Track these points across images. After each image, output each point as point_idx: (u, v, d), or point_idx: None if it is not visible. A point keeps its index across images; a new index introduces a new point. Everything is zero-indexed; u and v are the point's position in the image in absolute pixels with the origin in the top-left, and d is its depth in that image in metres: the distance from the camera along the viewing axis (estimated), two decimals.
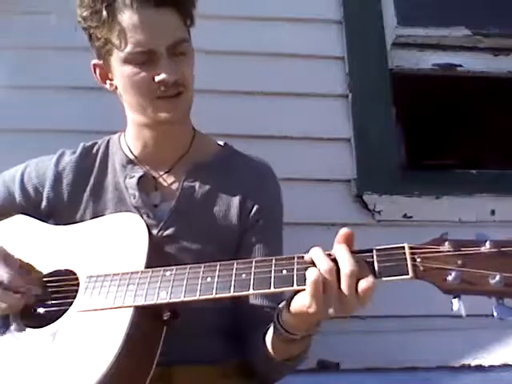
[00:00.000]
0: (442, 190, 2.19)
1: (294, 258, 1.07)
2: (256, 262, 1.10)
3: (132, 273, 1.19)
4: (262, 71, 2.26)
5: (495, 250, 0.94)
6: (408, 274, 0.97)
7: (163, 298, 1.13)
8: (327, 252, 1.04)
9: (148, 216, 1.40)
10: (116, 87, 1.42)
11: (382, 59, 2.34)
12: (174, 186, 1.46)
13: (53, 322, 1.23)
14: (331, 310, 1.02)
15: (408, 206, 2.16)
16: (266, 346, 1.25)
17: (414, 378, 2.00)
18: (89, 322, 1.18)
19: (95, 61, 1.42)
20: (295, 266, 1.06)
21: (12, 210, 1.48)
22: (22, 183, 1.50)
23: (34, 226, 1.45)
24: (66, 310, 1.23)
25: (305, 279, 1.03)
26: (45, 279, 1.32)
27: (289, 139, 2.22)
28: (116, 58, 1.35)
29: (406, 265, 0.98)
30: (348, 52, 2.32)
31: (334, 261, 1.01)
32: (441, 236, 0.99)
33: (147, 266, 1.20)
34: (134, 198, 1.43)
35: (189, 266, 1.15)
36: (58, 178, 1.49)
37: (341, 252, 1.02)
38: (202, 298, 1.09)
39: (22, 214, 1.48)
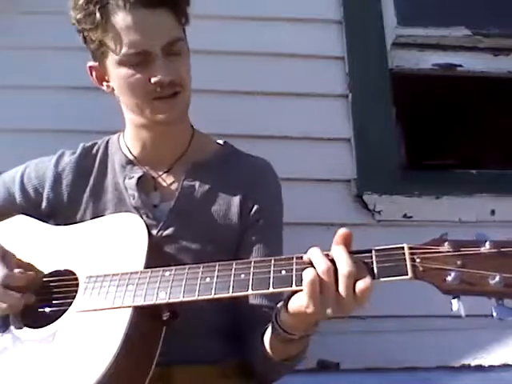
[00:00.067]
0: (442, 189, 2.18)
1: (292, 258, 1.07)
2: (255, 262, 1.10)
3: (131, 273, 1.19)
4: (262, 71, 2.26)
5: (495, 250, 0.94)
6: (407, 275, 0.97)
7: (162, 298, 1.13)
8: (325, 252, 1.04)
9: (147, 216, 1.40)
10: (113, 89, 1.41)
11: (382, 59, 2.34)
12: (174, 186, 1.46)
13: (52, 322, 1.23)
14: (329, 311, 1.02)
15: (408, 205, 2.16)
16: (264, 346, 1.25)
17: (414, 377, 2.00)
18: (88, 322, 1.18)
19: (91, 63, 1.42)
20: (294, 267, 1.05)
21: (12, 211, 1.49)
22: (21, 184, 1.50)
23: (34, 227, 1.45)
24: (65, 310, 1.23)
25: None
26: (45, 279, 1.33)
27: (289, 139, 2.21)
28: (111, 60, 1.35)
29: (406, 265, 0.98)
30: (348, 52, 2.31)
31: (332, 261, 1.01)
32: (440, 236, 0.99)
33: (146, 266, 1.20)
34: (134, 199, 1.43)
35: (188, 267, 1.15)
36: (57, 178, 1.49)
37: (339, 253, 1.02)
38: (200, 298, 1.10)
39: (23, 214, 1.48)
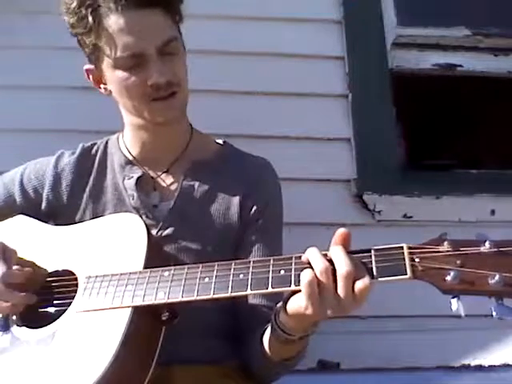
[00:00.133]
0: (442, 189, 2.18)
1: (291, 258, 1.07)
2: (254, 262, 1.10)
3: (130, 273, 1.19)
4: (262, 71, 2.25)
5: (494, 249, 0.94)
6: (406, 274, 0.97)
7: (161, 298, 1.13)
8: (324, 252, 1.04)
9: (147, 216, 1.40)
10: (110, 91, 1.41)
11: (382, 59, 2.34)
12: (173, 186, 1.46)
13: (52, 322, 1.23)
14: (328, 311, 1.01)
15: (408, 205, 2.16)
16: (263, 347, 1.25)
17: (414, 377, 2.00)
18: (88, 322, 1.18)
19: (87, 66, 1.41)
20: (293, 266, 1.05)
21: (12, 211, 1.48)
22: (21, 185, 1.50)
23: (34, 227, 1.45)
24: (64, 311, 1.23)
25: None
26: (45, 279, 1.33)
27: (289, 139, 2.21)
28: (107, 64, 1.34)
29: (405, 265, 0.97)
30: (348, 52, 2.31)
31: (331, 261, 1.01)
32: (440, 236, 0.99)
33: (146, 267, 1.20)
34: (133, 199, 1.43)
35: (187, 266, 1.15)
36: (57, 178, 1.49)
37: (337, 253, 1.01)
38: (199, 298, 1.09)
39: (23, 214, 1.48)
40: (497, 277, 0.91)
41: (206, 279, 1.10)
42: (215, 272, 1.11)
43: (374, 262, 1.00)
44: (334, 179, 2.19)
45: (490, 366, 2.05)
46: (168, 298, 1.12)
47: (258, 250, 1.41)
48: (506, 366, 2.05)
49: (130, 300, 1.15)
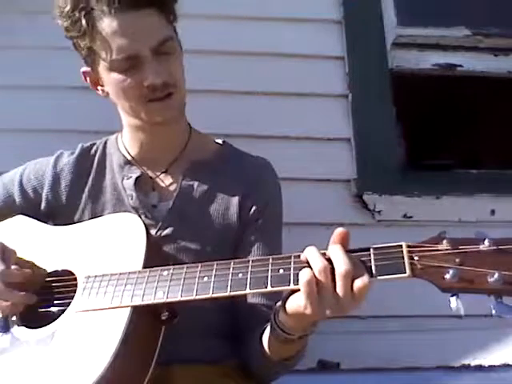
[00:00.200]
0: (442, 189, 2.18)
1: (290, 257, 1.07)
2: (253, 261, 1.09)
3: (130, 273, 1.19)
4: (262, 71, 2.25)
5: (494, 248, 0.94)
6: (405, 273, 0.96)
7: (160, 297, 1.13)
8: (322, 251, 1.03)
9: (146, 216, 1.40)
10: (108, 93, 1.41)
11: (382, 59, 2.34)
12: (172, 186, 1.46)
13: (51, 322, 1.23)
14: (327, 310, 1.01)
15: (408, 205, 2.16)
16: (262, 346, 1.25)
17: (414, 377, 2.00)
18: (87, 322, 1.18)
19: (84, 68, 1.41)
20: (292, 265, 1.05)
21: (12, 212, 1.48)
22: (21, 185, 1.50)
23: (34, 227, 1.45)
24: (64, 311, 1.23)
25: None
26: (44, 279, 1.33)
27: (289, 139, 2.21)
28: (102, 66, 1.34)
29: (404, 263, 0.97)
30: (348, 52, 2.31)
31: (329, 260, 1.01)
32: (439, 234, 0.99)
33: (145, 266, 1.20)
34: (132, 199, 1.43)
35: (186, 266, 1.15)
36: (56, 179, 1.49)
37: (335, 252, 1.01)
38: (198, 297, 1.09)
39: (22, 214, 1.48)
40: (496, 275, 0.91)
41: (205, 278, 1.10)
42: (214, 271, 1.10)
43: (373, 261, 1.00)
44: (334, 179, 2.19)
45: (489, 366, 2.05)
46: (167, 298, 1.12)
47: (258, 250, 1.40)
48: (505, 366, 2.05)
49: (129, 300, 1.15)
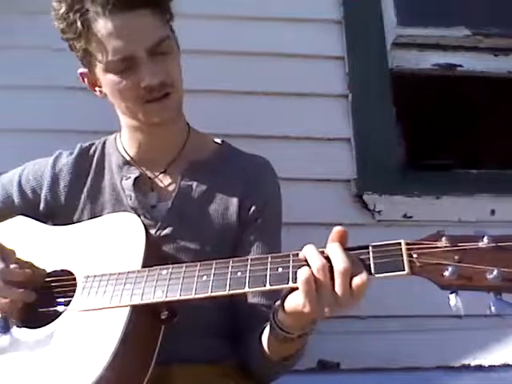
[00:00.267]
0: (442, 189, 2.18)
1: (289, 255, 1.07)
2: (251, 260, 1.09)
3: (129, 272, 1.19)
4: (262, 71, 2.25)
5: (493, 244, 0.93)
6: (404, 270, 0.96)
7: (159, 296, 1.13)
8: (321, 250, 1.03)
9: (145, 217, 1.40)
10: (105, 94, 1.40)
11: (382, 59, 2.34)
12: (171, 186, 1.46)
13: (50, 322, 1.23)
14: (326, 309, 1.01)
15: (408, 205, 2.16)
16: (262, 346, 1.25)
17: (414, 377, 2.00)
18: (86, 321, 1.18)
19: (81, 69, 1.41)
20: (291, 264, 1.05)
21: (11, 212, 1.48)
22: (19, 186, 1.50)
23: (33, 228, 1.45)
24: (63, 311, 1.23)
25: None
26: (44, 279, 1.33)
27: (289, 139, 2.21)
28: (98, 68, 1.34)
29: (402, 261, 0.97)
30: (348, 52, 2.31)
31: (328, 259, 1.01)
32: (438, 232, 0.99)
33: (144, 266, 1.20)
34: (131, 200, 1.43)
35: (185, 265, 1.15)
36: (55, 179, 1.49)
37: (334, 250, 1.01)
38: (197, 296, 1.09)
39: (21, 215, 1.48)
40: (495, 272, 0.91)
41: (204, 277, 1.10)
42: (213, 270, 1.10)
43: (371, 259, 1.00)
44: (334, 179, 2.19)
45: (489, 366, 2.05)
46: (166, 297, 1.12)
47: (257, 250, 1.40)
48: (505, 366, 2.05)
49: (128, 299, 1.15)
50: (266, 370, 1.33)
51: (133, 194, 1.43)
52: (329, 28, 2.36)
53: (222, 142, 1.56)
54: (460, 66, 2.44)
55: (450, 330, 2.01)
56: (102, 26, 1.27)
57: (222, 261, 1.11)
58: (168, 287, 1.13)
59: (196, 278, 1.11)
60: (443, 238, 0.97)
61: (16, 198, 1.50)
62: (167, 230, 1.40)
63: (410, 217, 2.15)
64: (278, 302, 1.14)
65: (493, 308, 0.92)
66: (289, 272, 1.04)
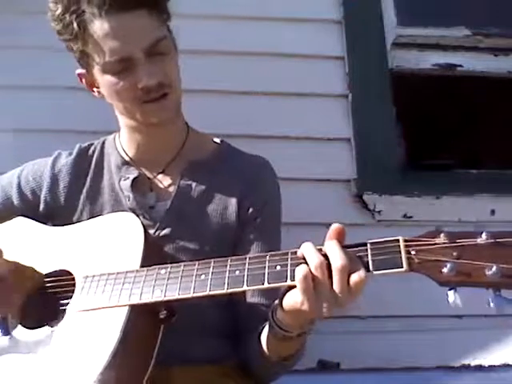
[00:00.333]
0: (442, 189, 2.18)
1: (287, 253, 1.06)
2: (250, 258, 1.09)
3: (127, 272, 1.19)
4: (262, 71, 2.25)
5: (491, 241, 0.93)
6: (402, 267, 0.96)
7: (158, 295, 1.12)
8: (319, 247, 1.03)
9: (144, 217, 1.40)
10: (103, 94, 1.40)
11: (382, 59, 2.34)
12: (170, 186, 1.46)
13: (50, 322, 1.23)
14: (324, 306, 1.01)
15: (408, 205, 2.16)
16: (261, 346, 1.25)
17: (414, 377, 2.00)
18: (85, 321, 1.18)
19: (79, 70, 1.41)
20: (289, 262, 1.05)
21: (11, 214, 1.48)
22: (19, 187, 1.50)
23: (33, 228, 1.44)
24: (63, 311, 1.23)
25: None
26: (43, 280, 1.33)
27: (289, 139, 2.21)
28: (96, 69, 1.34)
29: (401, 257, 0.97)
30: (348, 52, 2.31)
31: (325, 256, 1.01)
32: (436, 228, 0.98)
33: (142, 265, 1.19)
34: (129, 200, 1.42)
35: (183, 264, 1.14)
36: (54, 180, 1.49)
37: (331, 247, 1.01)
38: (196, 295, 1.09)
39: (21, 216, 1.48)
40: (494, 268, 0.90)
41: (202, 276, 1.10)
42: (211, 269, 1.10)
43: (369, 256, 1.00)
44: (334, 179, 2.19)
45: (489, 366, 2.05)
46: (165, 296, 1.12)
47: (256, 249, 1.40)
48: (505, 366, 2.05)
49: (127, 298, 1.15)
50: (266, 370, 1.33)
51: (131, 195, 1.43)
52: (329, 28, 2.36)
53: (222, 141, 1.56)
54: (460, 65, 2.44)
55: (450, 329, 2.01)
56: (99, 27, 1.27)
57: (221, 259, 1.11)
58: (166, 286, 1.12)
59: (194, 277, 1.10)
60: (441, 235, 0.96)
61: (15, 200, 1.50)
62: (166, 230, 1.40)
63: (410, 217, 2.15)
64: (277, 301, 1.13)
65: (492, 304, 0.92)
66: (287, 270, 1.04)
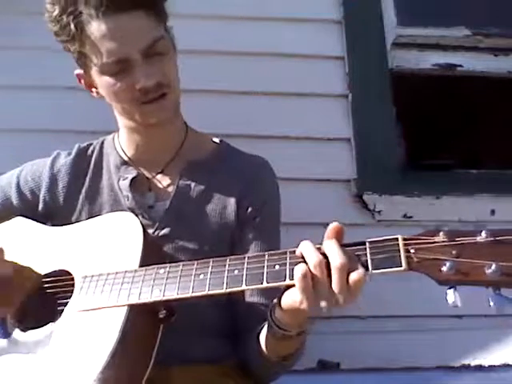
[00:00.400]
0: (442, 189, 2.18)
1: (286, 252, 1.06)
2: (249, 257, 1.09)
3: (126, 271, 1.19)
4: (262, 71, 2.25)
5: (491, 239, 0.92)
6: (401, 266, 0.96)
7: (157, 295, 1.12)
8: (317, 246, 1.03)
9: (143, 217, 1.39)
10: (102, 95, 1.40)
11: (382, 59, 2.34)
12: (169, 186, 1.46)
13: (49, 322, 1.23)
14: (323, 304, 1.00)
15: (408, 205, 2.16)
16: (260, 345, 1.24)
17: (414, 377, 2.00)
18: (84, 321, 1.18)
19: (78, 71, 1.41)
20: (288, 261, 1.05)
21: (10, 214, 1.48)
22: (18, 187, 1.50)
23: (32, 228, 1.44)
24: (61, 311, 1.23)
25: None
26: (42, 280, 1.32)
27: (289, 139, 2.21)
28: (94, 70, 1.34)
29: (400, 256, 0.96)
30: (348, 52, 2.31)
31: (324, 255, 1.00)
32: (435, 227, 0.98)
33: (141, 265, 1.19)
34: (128, 200, 1.42)
35: (182, 264, 1.14)
36: (53, 180, 1.49)
37: (330, 246, 1.01)
38: (194, 294, 1.09)
39: (20, 216, 1.48)
40: (493, 266, 0.90)
41: (201, 276, 1.10)
42: (210, 268, 1.10)
43: (368, 255, 0.99)
44: (334, 179, 2.19)
45: (489, 366, 2.05)
46: (164, 296, 1.12)
47: (256, 248, 1.40)
48: (505, 366, 2.05)
49: (125, 298, 1.15)
50: (266, 370, 1.32)
51: (130, 195, 1.42)
52: (329, 28, 2.36)
53: (221, 141, 1.55)
54: (460, 65, 2.44)
55: (450, 329, 2.01)
56: (96, 28, 1.27)
57: (219, 259, 1.11)
58: (165, 286, 1.12)
59: (193, 277, 1.10)
60: (441, 233, 0.96)
61: (15, 200, 1.50)
62: (165, 230, 1.40)
63: (410, 217, 2.15)
64: (275, 300, 1.13)
65: (492, 303, 0.91)
66: (286, 269, 1.04)
